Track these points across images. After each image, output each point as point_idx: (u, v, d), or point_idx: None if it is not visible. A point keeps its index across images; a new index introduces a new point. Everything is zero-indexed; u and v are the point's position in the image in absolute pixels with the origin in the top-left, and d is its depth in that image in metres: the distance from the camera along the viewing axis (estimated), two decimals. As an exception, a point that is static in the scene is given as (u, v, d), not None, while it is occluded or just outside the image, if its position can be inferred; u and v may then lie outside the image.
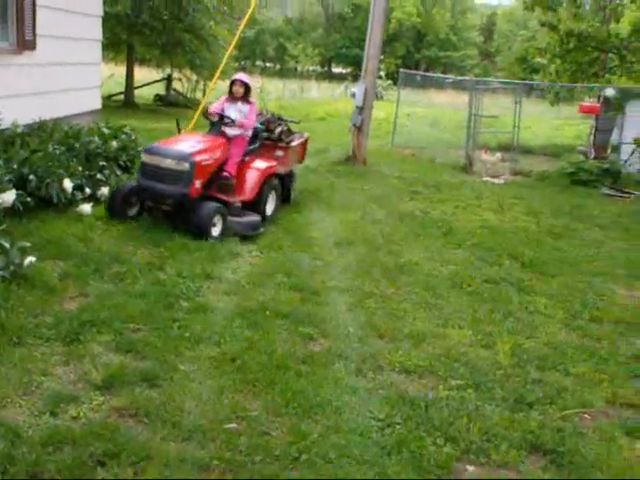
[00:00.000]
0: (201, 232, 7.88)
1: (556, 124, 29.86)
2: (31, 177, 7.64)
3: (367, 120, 15.65)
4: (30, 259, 5.98)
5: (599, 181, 15.17)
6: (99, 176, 9.06)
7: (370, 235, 9.19)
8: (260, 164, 9.33)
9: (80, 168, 8.66)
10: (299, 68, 57.11)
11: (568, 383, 5.24)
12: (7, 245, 5.88)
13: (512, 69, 60.16)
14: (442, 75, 36.84)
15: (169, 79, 28.87)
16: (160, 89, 29.41)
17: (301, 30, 70.08)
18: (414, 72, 26.53)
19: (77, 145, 9.13)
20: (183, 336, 5.30)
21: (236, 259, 7.58)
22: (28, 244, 6.20)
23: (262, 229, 8.78)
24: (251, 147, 9.38)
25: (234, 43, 12.13)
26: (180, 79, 29.20)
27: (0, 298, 5.37)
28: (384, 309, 6.48)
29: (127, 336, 5.20)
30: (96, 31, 12.30)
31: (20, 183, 7.52)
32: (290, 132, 10.64)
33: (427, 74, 30.80)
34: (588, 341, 6.22)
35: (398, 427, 4.32)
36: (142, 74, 30.76)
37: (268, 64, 73.33)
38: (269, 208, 9.39)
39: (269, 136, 10.15)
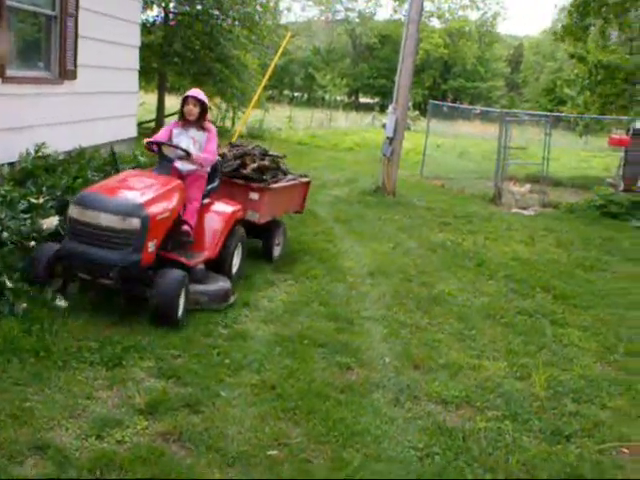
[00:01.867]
0: (166, 315, 5.87)
1: (584, 156, 29.87)
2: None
3: (397, 151, 15.70)
4: (72, 284, 6.12)
5: (630, 214, 14.99)
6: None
7: (402, 265, 9.23)
8: (223, 207, 7.36)
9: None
10: (327, 98, 57.36)
11: (605, 417, 5.23)
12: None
13: (539, 100, 60.34)
14: (469, 106, 36.93)
15: (199, 107, 29.20)
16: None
17: (329, 60, 70.52)
18: (442, 103, 26.64)
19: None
20: (223, 363, 5.38)
21: (272, 287, 7.65)
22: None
23: (233, 298, 6.86)
24: (210, 186, 7.32)
25: (269, 73, 12.27)
26: (210, 108, 29.53)
27: (45, 322, 5.50)
28: (419, 339, 6.51)
29: (168, 362, 5.29)
30: (133, 61, 12.57)
31: (60, 209, 7.68)
32: (279, 171, 8.58)
33: (454, 105, 30.93)
34: (624, 375, 6.17)
35: (437, 457, 4.35)
36: (171, 102, 31.15)
37: (296, 93, 73.82)
38: (234, 266, 7.42)
39: (241, 173, 8.07)
